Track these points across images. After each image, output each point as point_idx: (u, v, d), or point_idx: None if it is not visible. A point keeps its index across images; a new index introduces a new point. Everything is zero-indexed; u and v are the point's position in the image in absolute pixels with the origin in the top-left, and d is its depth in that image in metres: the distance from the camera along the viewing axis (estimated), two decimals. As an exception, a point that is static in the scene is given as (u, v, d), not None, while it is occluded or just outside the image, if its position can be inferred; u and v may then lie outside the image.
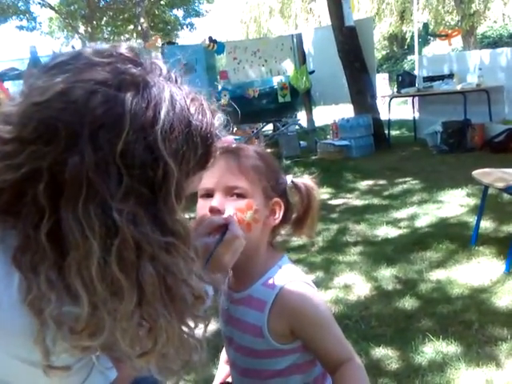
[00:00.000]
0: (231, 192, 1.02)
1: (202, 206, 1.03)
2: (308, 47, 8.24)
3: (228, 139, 1.10)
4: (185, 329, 0.72)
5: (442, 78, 7.27)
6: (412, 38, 18.97)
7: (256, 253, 1.07)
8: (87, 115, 0.61)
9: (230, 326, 1.13)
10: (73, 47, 6.36)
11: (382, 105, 8.45)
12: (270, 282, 1.06)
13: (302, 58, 7.67)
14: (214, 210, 1.00)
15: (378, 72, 17.73)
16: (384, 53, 23.68)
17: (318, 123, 9.41)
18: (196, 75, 6.83)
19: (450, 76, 7.19)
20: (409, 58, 20.47)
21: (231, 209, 1.01)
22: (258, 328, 1.05)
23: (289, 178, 1.12)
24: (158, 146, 0.64)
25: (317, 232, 4.05)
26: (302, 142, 8.23)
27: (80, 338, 0.64)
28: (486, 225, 3.74)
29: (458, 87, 6.93)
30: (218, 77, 7.35)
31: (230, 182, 1.02)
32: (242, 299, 1.09)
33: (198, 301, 0.72)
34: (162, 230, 0.66)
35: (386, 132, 7.93)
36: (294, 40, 7.62)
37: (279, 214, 1.08)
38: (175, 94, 0.68)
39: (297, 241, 3.86)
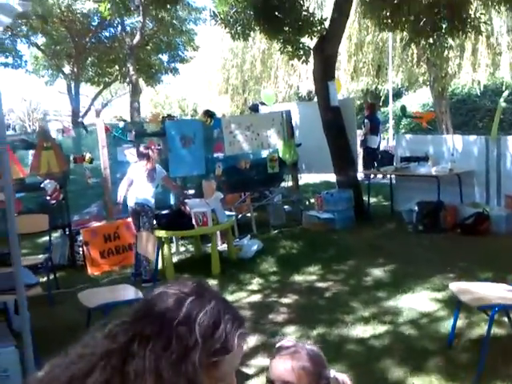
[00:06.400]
0: None
1: None
2: (296, 120, 8.85)
3: (286, 343, 1.58)
4: None
5: (417, 159, 7.93)
6: (387, 94, 20.23)
7: None
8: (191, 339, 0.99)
9: None
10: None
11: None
12: None
13: (290, 132, 8.25)
14: None
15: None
16: (359, 102, 24.77)
17: (304, 181, 10.09)
18: (195, 147, 7.33)
19: (425, 158, 7.85)
20: (382, 109, 21.51)
21: None
22: None
23: (332, 372, 1.57)
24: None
25: (308, 327, 4.42)
26: (286, 207, 8.74)
27: None
28: (462, 325, 4.19)
29: (433, 170, 7.57)
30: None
31: (285, 379, 1.48)
32: None
33: None
34: None
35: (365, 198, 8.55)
36: (284, 116, 8.22)
37: None
38: (221, 311, 1.05)
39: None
